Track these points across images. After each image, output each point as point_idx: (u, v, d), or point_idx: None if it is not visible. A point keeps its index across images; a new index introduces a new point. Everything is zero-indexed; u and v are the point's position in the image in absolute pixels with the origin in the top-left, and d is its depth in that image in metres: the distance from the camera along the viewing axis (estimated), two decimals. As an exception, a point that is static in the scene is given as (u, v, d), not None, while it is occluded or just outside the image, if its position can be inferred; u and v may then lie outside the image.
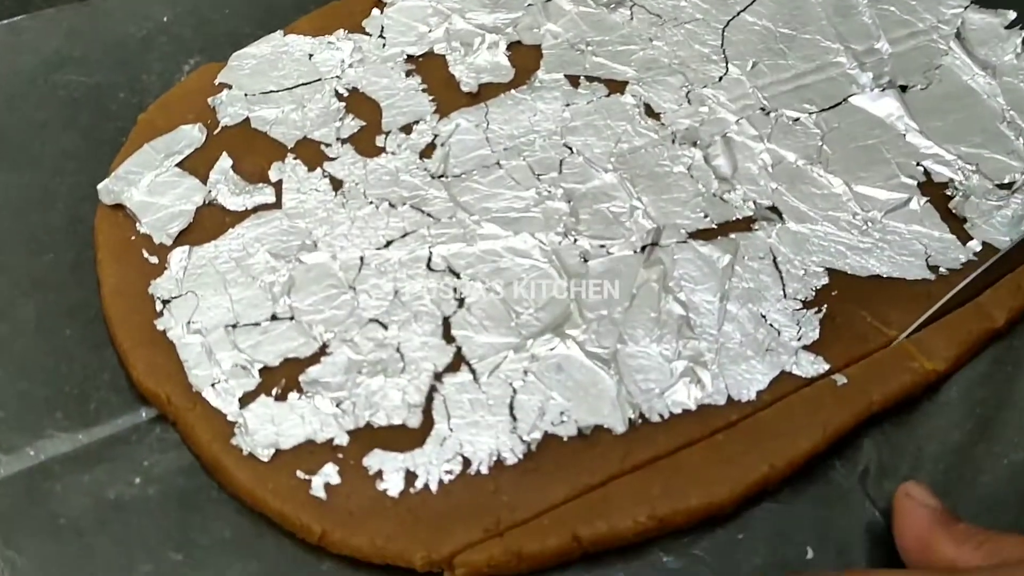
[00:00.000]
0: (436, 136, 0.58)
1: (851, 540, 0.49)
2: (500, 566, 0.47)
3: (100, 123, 0.60)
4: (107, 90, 0.61)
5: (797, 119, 0.59)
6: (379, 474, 0.48)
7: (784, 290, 0.54)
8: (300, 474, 0.48)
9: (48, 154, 0.59)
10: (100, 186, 0.56)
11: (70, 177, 0.58)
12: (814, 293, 0.54)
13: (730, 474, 0.49)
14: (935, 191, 0.57)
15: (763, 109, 0.60)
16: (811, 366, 0.52)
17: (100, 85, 0.61)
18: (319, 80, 0.60)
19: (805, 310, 0.53)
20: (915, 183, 0.57)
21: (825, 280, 0.54)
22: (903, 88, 0.61)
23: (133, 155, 0.57)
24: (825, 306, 0.54)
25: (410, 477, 0.48)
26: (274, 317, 0.52)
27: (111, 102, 0.61)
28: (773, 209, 0.56)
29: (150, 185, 0.56)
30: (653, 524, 0.48)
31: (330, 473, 0.48)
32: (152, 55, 0.63)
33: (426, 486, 0.48)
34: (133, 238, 0.55)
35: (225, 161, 0.57)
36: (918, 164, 0.58)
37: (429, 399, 0.50)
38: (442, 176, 0.57)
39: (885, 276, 0.55)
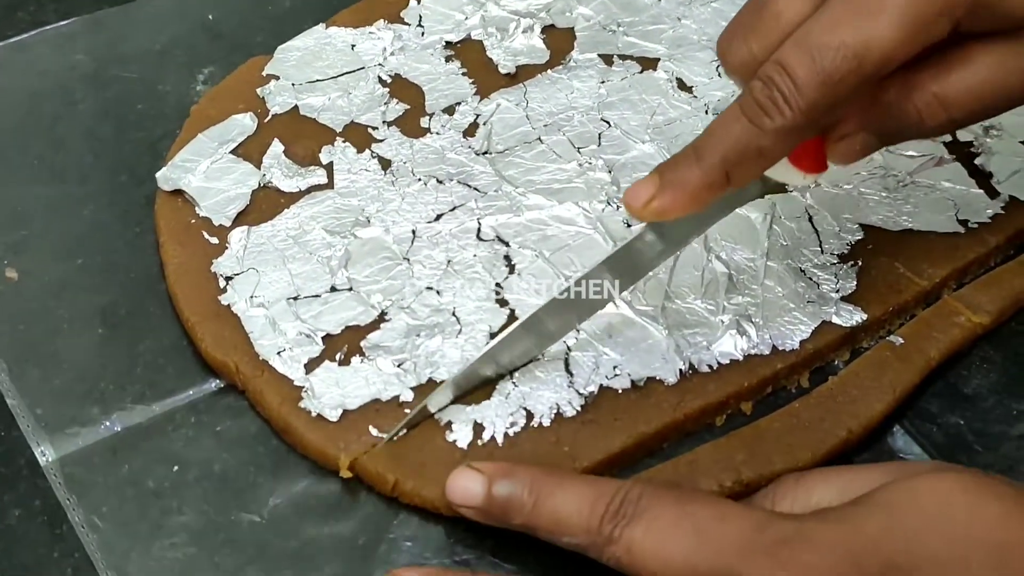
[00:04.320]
0: (478, 116, 0.61)
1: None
2: None
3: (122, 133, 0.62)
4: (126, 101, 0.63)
5: (824, 87, 0.62)
6: (448, 425, 0.50)
7: (821, 246, 0.56)
8: (372, 430, 0.50)
9: (71, 166, 0.61)
10: (159, 174, 0.58)
11: (94, 187, 0.60)
12: (849, 248, 0.56)
13: (811, 440, 0.51)
14: (961, 150, 0.60)
15: (791, 79, 0.62)
16: (850, 315, 0.54)
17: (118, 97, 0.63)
18: (362, 68, 0.63)
19: (842, 264, 0.56)
20: (942, 143, 0.60)
21: (860, 235, 0.57)
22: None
23: (188, 144, 0.59)
24: (860, 260, 0.56)
25: (477, 429, 0.50)
26: (333, 289, 0.54)
27: (130, 113, 0.63)
28: (807, 171, 0.59)
29: (207, 171, 0.58)
30: (739, 488, 0.49)
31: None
32: (168, 67, 0.65)
33: (492, 438, 0.50)
34: (193, 221, 0.57)
35: (277, 146, 0.59)
36: (943, 125, 0.60)
37: (487, 356, 0.52)
38: (486, 152, 0.59)
39: (917, 230, 0.57)
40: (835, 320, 0.54)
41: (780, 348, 0.53)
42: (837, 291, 0.55)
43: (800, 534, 0.42)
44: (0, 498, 0.50)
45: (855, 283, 0.55)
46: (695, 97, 0.62)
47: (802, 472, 0.48)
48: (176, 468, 0.51)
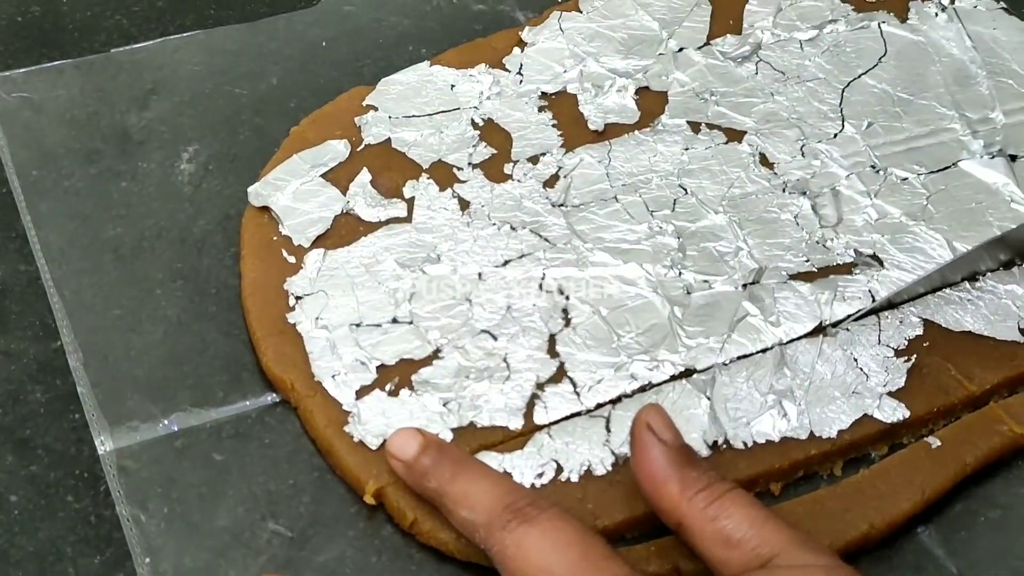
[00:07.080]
0: (560, 168, 0.62)
1: None
2: None
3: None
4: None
5: (905, 178, 0.62)
6: (476, 471, 0.52)
7: (879, 336, 0.56)
8: (404, 463, 0.52)
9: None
10: (250, 189, 0.61)
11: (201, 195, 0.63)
12: (907, 342, 0.56)
13: (832, 529, 0.51)
14: (1035, 259, 0.60)
15: (873, 167, 0.63)
16: (893, 412, 0.54)
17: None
18: (458, 109, 0.65)
19: (896, 358, 0.56)
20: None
21: (919, 331, 0.57)
22: (1013, 158, 0.63)
23: (283, 163, 0.62)
24: (915, 356, 0.56)
25: (504, 476, 0.52)
26: (395, 320, 0.56)
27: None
28: (874, 257, 0.59)
29: (295, 192, 0.61)
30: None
31: (432, 466, 0.52)
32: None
33: (518, 486, 0.52)
34: (275, 238, 0.60)
35: (365, 176, 0.62)
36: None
37: (531, 405, 0.54)
38: (562, 205, 0.61)
39: (976, 333, 0.57)
40: (876, 414, 0.54)
41: (817, 434, 0.54)
42: (884, 385, 0.55)
43: None
44: (59, 480, 0.53)
45: (904, 380, 0.55)
46: (775, 174, 0.62)
47: None
48: (221, 474, 0.53)
